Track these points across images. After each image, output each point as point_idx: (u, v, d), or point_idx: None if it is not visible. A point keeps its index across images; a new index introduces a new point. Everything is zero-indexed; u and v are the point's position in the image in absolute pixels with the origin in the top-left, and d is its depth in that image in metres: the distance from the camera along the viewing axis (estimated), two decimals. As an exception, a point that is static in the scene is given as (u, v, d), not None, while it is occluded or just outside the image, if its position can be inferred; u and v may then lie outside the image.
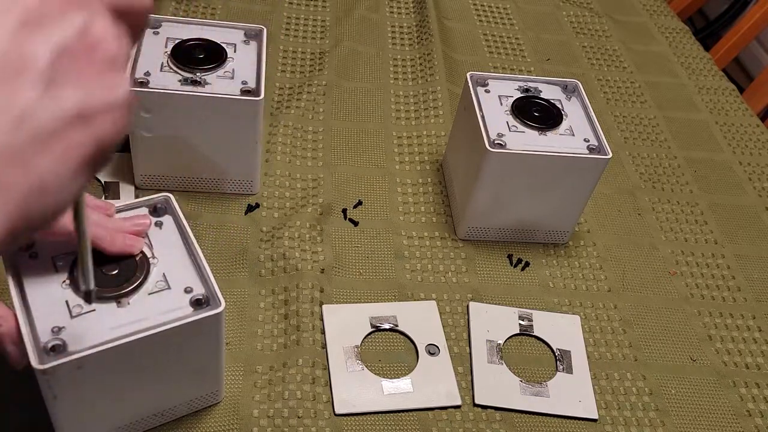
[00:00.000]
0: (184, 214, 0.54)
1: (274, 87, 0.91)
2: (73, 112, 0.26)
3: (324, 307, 0.66)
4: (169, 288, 0.49)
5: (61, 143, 0.26)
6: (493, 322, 0.68)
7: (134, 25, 0.30)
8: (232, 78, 0.69)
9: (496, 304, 0.70)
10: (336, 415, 0.59)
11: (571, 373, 0.66)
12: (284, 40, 0.99)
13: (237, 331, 0.63)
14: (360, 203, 0.78)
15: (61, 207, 0.27)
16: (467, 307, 0.69)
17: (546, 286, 0.73)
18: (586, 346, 0.68)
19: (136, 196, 0.73)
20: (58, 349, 0.44)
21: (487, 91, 0.75)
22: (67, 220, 0.38)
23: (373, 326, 0.66)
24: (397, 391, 0.62)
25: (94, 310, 0.47)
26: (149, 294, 0.49)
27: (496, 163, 0.69)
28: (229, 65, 0.70)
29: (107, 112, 0.27)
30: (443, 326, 0.67)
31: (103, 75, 0.27)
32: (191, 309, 0.48)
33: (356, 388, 0.61)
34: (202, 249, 0.52)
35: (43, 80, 0.25)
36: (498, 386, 0.63)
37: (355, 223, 0.76)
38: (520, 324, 0.69)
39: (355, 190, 0.80)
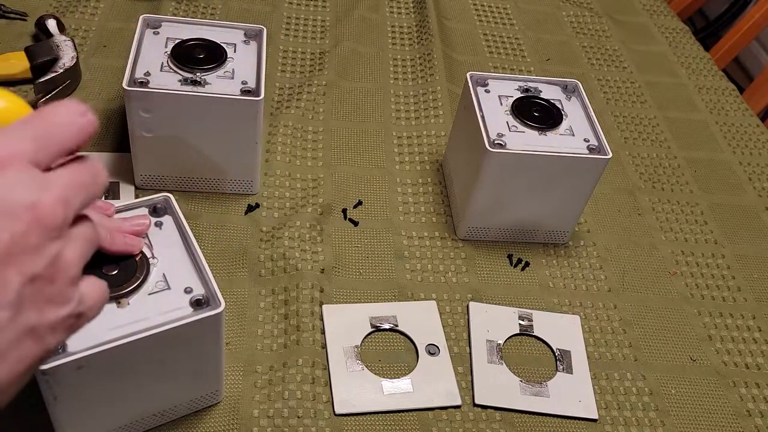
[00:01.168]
0: (184, 214, 0.54)
1: (274, 87, 0.91)
2: (30, 328, 0.31)
3: (324, 307, 0.66)
4: (169, 288, 0.49)
5: (14, 354, 0.31)
6: (493, 322, 0.68)
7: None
8: (232, 78, 0.69)
9: (496, 304, 0.70)
10: (336, 415, 0.59)
11: (571, 373, 0.66)
12: (284, 40, 0.99)
13: (237, 331, 0.63)
14: (360, 203, 0.78)
15: (5, 398, 0.32)
16: (467, 307, 0.69)
17: (546, 286, 0.73)
18: (586, 346, 0.68)
19: (136, 196, 0.73)
20: (58, 350, 0.44)
21: (487, 91, 0.75)
22: None
23: (373, 326, 0.66)
24: (397, 391, 0.62)
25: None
26: (149, 294, 0.49)
27: (496, 163, 0.69)
28: (229, 65, 0.70)
29: (56, 328, 0.32)
30: (443, 326, 0.67)
31: (60, 293, 0.32)
32: (191, 309, 0.48)
33: (356, 388, 0.61)
34: (202, 249, 0.52)
35: (11, 306, 0.30)
36: (498, 386, 0.63)
37: (355, 223, 0.76)
38: (520, 324, 0.69)
39: (355, 190, 0.80)
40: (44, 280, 0.31)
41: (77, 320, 0.34)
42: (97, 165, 0.35)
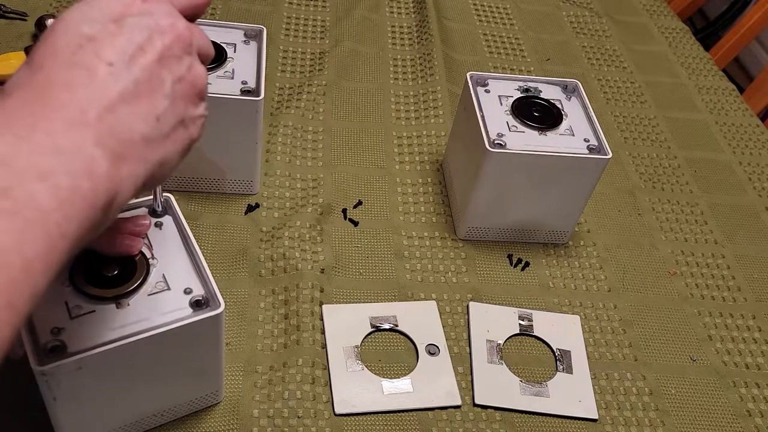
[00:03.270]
0: (184, 214, 0.54)
1: (274, 87, 0.91)
2: (181, 119, 0.40)
3: (324, 307, 0.66)
4: (168, 289, 0.49)
5: (174, 137, 0.40)
6: (493, 322, 0.68)
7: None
8: (232, 78, 0.69)
9: (496, 304, 0.70)
10: (336, 415, 0.59)
11: (571, 373, 0.66)
12: (284, 40, 0.99)
13: (237, 331, 0.63)
14: (360, 203, 0.78)
15: (168, 174, 0.41)
16: (467, 307, 0.69)
17: (546, 286, 0.73)
18: (586, 346, 0.68)
19: (136, 196, 0.73)
20: (58, 350, 0.44)
21: (487, 91, 0.75)
22: None
23: (373, 326, 0.66)
24: (397, 391, 0.62)
25: (93, 311, 0.47)
26: (149, 295, 0.49)
27: (496, 163, 0.69)
28: (229, 65, 0.70)
29: (196, 122, 0.42)
30: (443, 326, 0.67)
31: (196, 99, 0.42)
32: (191, 310, 0.48)
33: (356, 388, 0.61)
34: (202, 249, 0.52)
35: (168, 96, 0.39)
36: (498, 386, 0.63)
37: (355, 223, 0.76)
38: (520, 324, 0.69)
39: (355, 190, 0.80)
40: (186, 83, 0.40)
41: (204, 120, 0.44)
42: (207, 36, 0.45)
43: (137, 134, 0.37)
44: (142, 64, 0.37)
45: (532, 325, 0.69)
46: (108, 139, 0.35)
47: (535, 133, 0.71)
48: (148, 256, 0.51)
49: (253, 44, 0.74)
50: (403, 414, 0.60)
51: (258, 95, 0.68)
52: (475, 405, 0.62)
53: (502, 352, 0.66)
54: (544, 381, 0.65)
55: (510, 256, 0.75)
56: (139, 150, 0.37)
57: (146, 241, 0.52)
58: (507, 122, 0.72)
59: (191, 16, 0.43)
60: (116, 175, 0.35)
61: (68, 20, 0.37)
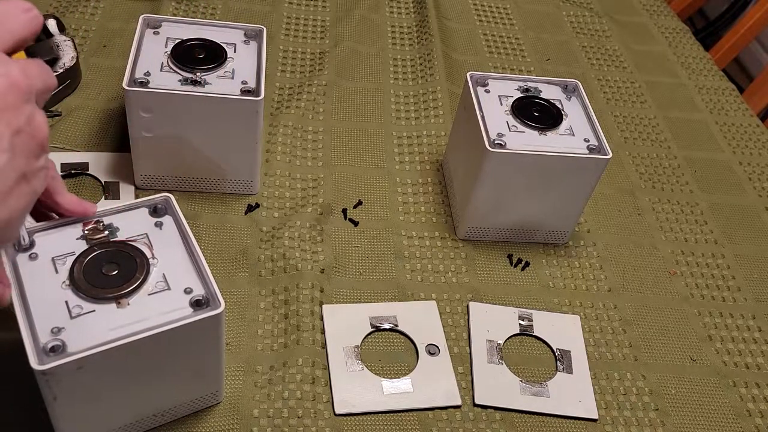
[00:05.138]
0: (184, 214, 0.54)
1: (274, 87, 0.91)
2: (23, 173, 0.38)
3: (324, 307, 0.66)
4: (169, 288, 0.49)
5: (17, 193, 0.38)
6: (493, 322, 0.68)
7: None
8: (232, 78, 0.69)
9: (496, 304, 0.70)
10: (336, 415, 0.59)
11: (571, 373, 0.66)
12: (284, 40, 0.99)
13: (237, 331, 0.63)
14: (360, 203, 0.78)
15: (14, 231, 0.40)
16: (467, 307, 0.69)
17: (546, 286, 0.73)
18: (586, 346, 0.68)
19: (136, 196, 0.73)
20: (58, 350, 0.44)
21: (487, 91, 0.75)
22: None
23: (373, 326, 0.66)
24: (397, 391, 0.62)
25: (94, 310, 0.47)
26: (149, 294, 0.49)
27: (496, 163, 0.69)
28: (229, 65, 0.70)
29: (38, 175, 0.40)
30: (443, 326, 0.67)
31: (38, 150, 0.39)
32: (191, 310, 0.48)
33: (356, 388, 0.61)
34: (202, 249, 0.52)
35: (7, 151, 0.36)
36: (498, 386, 0.63)
37: (355, 223, 0.76)
38: (520, 324, 0.69)
39: (355, 190, 0.80)
40: (25, 135, 0.38)
41: (48, 171, 0.41)
42: (46, 66, 0.42)
43: None
44: None
45: (532, 325, 0.69)
46: None
47: (535, 133, 0.71)
48: (149, 255, 0.51)
49: (253, 44, 0.74)
50: (403, 414, 0.60)
51: (258, 95, 0.68)
52: (475, 405, 0.62)
53: (502, 352, 0.66)
54: (544, 381, 0.65)
55: (510, 256, 0.75)
56: None
57: (147, 240, 0.52)
58: (507, 122, 0.72)
59: (21, 47, 0.41)
60: None
61: None
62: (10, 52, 0.40)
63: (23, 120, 0.38)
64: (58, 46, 0.82)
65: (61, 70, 0.80)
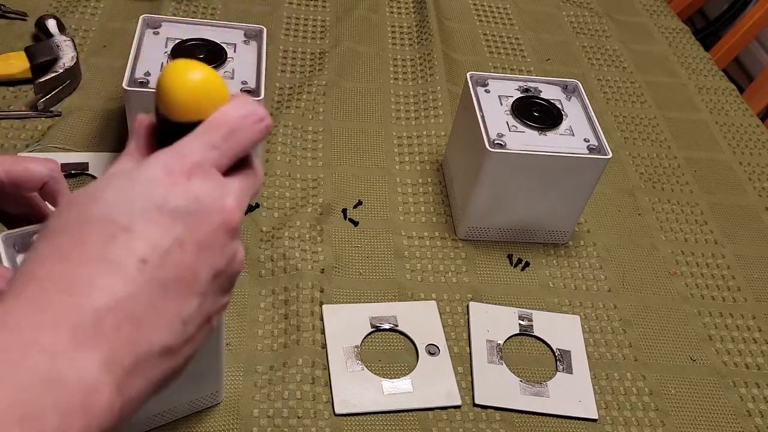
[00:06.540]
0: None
1: (274, 87, 0.91)
2: (208, 316, 0.34)
3: (324, 307, 0.66)
4: (169, 288, 0.49)
5: (198, 336, 0.34)
6: (493, 322, 0.68)
7: None
8: (232, 78, 0.69)
9: (496, 304, 0.70)
10: (336, 415, 0.59)
11: (571, 373, 0.66)
12: (284, 40, 0.99)
13: (237, 331, 0.63)
14: (360, 203, 0.78)
15: (178, 377, 0.34)
16: (467, 307, 0.69)
17: (546, 286, 0.73)
18: (586, 346, 0.68)
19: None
20: None
21: (487, 91, 0.75)
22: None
23: (373, 326, 0.66)
24: (397, 391, 0.62)
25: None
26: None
27: (496, 163, 0.69)
28: (229, 65, 0.70)
29: (219, 312, 0.36)
30: (443, 326, 0.67)
31: (228, 286, 0.36)
32: (191, 309, 0.48)
33: (356, 388, 0.61)
34: (202, 249, 0.52)
35: (200, 295, 0.33)
36: (498, 386, 0.63)
37: (355, 223, 0.76)
38: (520, 324, 0.69)
39: (355, 190, 0.80)
40: (224, 276, 0.35)
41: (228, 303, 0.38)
42: (259, 171, 0.38)
43: (157, 345, 0.31)
44: (178, 260, 0.32)
45: (532, 325, 0.69)
46: (120, 355, 0.30)
47: (535, 133, 0.71)
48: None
49: (253, 44, 0.74)
50: (403, 414, 0.60)
51: (258, 95, 0.68)
52: (475, 405, 0.62)
53: (502, 352, 0.66)
54: (544, 381, 0.65)
55: (510, 256, 0.75)
56: (154, 362, 0.31)
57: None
58: (507, 122, 0.72)
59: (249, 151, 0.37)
60: (117, 402, 0.29)
61: (102, 202, 0.32)
62: (233, 163, 0.36)
63: (225, 261, 0.34)
64: (58, 46, 0.82)
65: (61, 70, 0.80)
